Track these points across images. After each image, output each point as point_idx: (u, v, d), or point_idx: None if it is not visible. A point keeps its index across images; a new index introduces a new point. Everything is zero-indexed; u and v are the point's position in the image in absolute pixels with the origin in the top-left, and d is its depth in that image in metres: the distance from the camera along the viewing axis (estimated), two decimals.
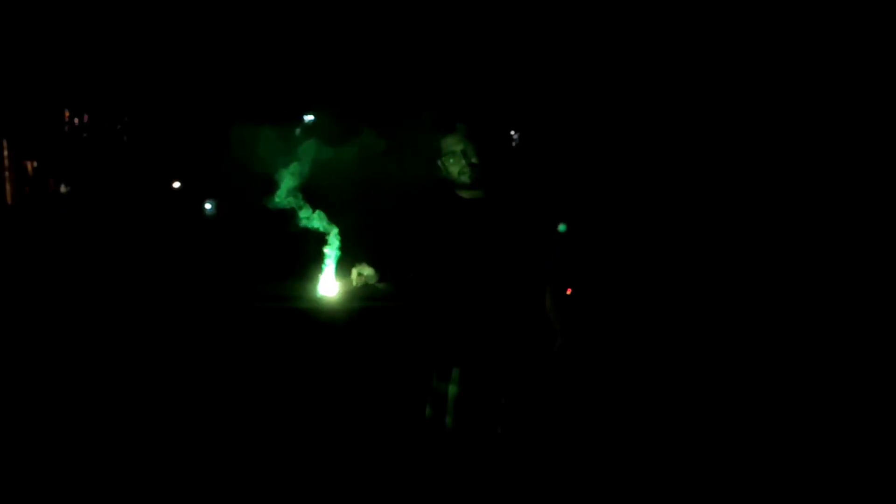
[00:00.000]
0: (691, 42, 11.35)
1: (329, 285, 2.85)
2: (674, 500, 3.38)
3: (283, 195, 2.85)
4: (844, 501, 3.29)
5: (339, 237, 2.82)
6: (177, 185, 12.26)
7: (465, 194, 2.79)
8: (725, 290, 8.02)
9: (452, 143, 2.75)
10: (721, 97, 11.28)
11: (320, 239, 2.83)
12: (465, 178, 2.74)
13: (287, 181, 2.86)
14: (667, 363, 5.54)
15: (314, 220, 2.81)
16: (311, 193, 2.88)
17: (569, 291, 2.82)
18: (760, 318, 6.76)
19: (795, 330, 6.26)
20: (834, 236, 8.95)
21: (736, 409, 4.43)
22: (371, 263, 2.80)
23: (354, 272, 2.79)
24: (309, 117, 13.81)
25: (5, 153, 14.15)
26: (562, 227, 2.82)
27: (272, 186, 2.89)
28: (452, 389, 2.76)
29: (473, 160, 2.72)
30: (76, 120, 15.45)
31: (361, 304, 2.93)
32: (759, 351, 5.75)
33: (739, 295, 7.73)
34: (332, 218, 2.84)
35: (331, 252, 2.82)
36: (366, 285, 2.81)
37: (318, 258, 2.82)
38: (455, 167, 2.74)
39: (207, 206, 14.86)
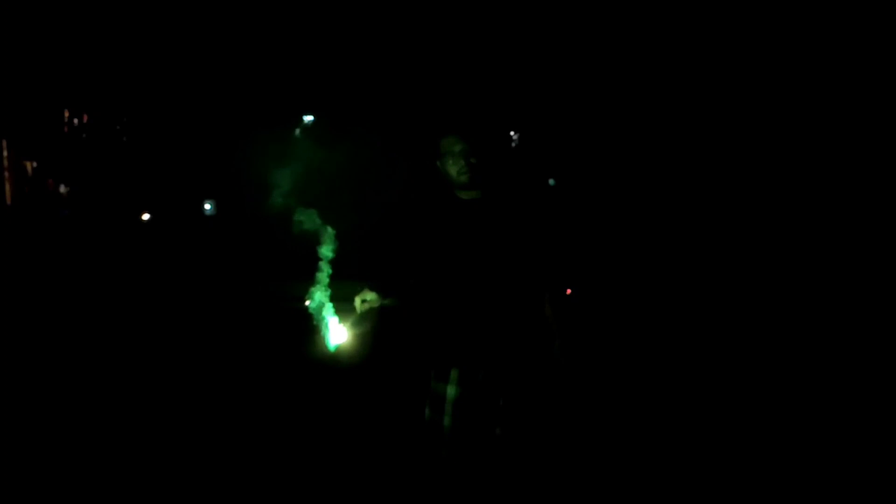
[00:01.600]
0: (691, 42, 11.35)
1: (337, 332, 2.81)
2: (674, 500, 3.37)
3: (279, 197, 2.84)
4: (844, 501, 3.29)
5: (334, 239, 2.80)
6: (146, 216, 12.24)
7: (463, 195, 2.78)
8: (725, 289, 8.02)
9: (451, 144, 2.74)
10: (721, 97, 11.27)
11: (317, 241, 2.81)
12: (463, 179, 2.72)
13: (282, 183, 2.85)
14: (667, 364, 5.54)
15: (308, 221, 2.79)
16: (308, 195, 2.87)
17: (568, 292, 2.81)
18: (760, 317, 6.75)
19: (795, 330, 6.26)
20: (834, 236, 8.94)
21: (736, 410, 4.43)
22: (371, 282, 2.79)
23: (357, 300, 2.78)
24: (308, 118, 13.81)
25: (5, 153, 14.14)
26: (551, 182, 2.81)
27: (269, 188, 2.88)
28: (451, 390, 2.75)
29: (472, 160, 2.71)
30: (76, 120, 15.43)
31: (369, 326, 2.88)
32: (759, 351, 5.74)
33: (739, 295, 7.72)
34: (328, 220, 2.82)
35: (325, 267, 2.78)
36: (371, 310, 2.80)
37: (315, 261, 2.80)
38: (454, 168, 2.73)
39: (207, 206, 14.86)
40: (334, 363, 2.86)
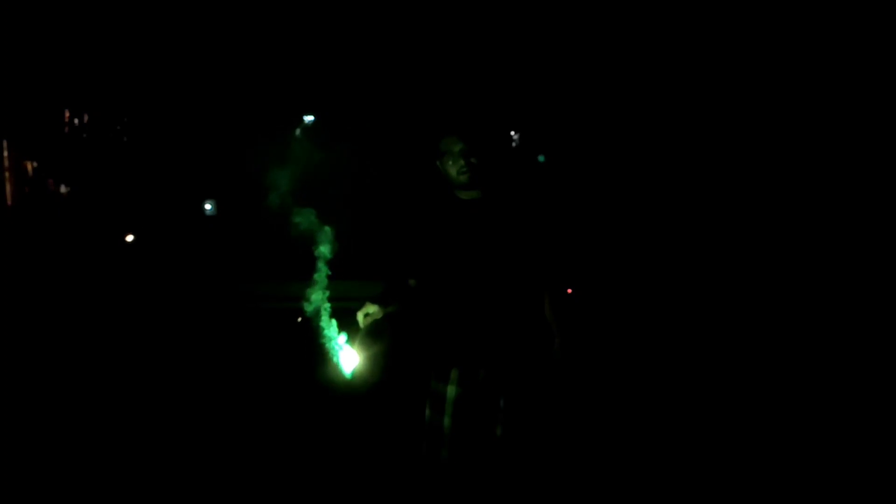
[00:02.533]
0: (691, 42, 11.33)
1: (349, 358, 2.77)
2: (674, 500, 3.37)
3: (276, 197, 2.82)
4: (844, 501, 3.28)
5: (331, 240, 2.78)
6: (130, 237, 12.19)
7: (463, 195, 2.78)
8: (726, 290, 8.01)
9: (451, 143, 2.73)
10: (721, 97, 11.25)
11: (314, 241, 2.79)
12: (463, 179, 2.72)
13: (281, 183, 2.83)
14: (667, 364, 5.53)
15: (305, 221, 2.77)
16: (306, 195, 2.85)
17: (569, 291, 2.80)
18: (760, 318, 6.74)
19: (795, 330, 6.25)
20: (834, 236, 8.92)
21: (736, 410, 4.42)
22: (371, 294, 2.77)
23: (360, 315, 2.75)
24: (309, 118, 13.80)
25: (5, 153, 14.14)
26: (541, 158, 2.79)
27: (268, 188, 2.87)
28: (451, 390, 2.74)
29: (472, 160, 2.71)
30: (76, 120, 15.43)
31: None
32: (759, 351, 5.73)
33: (739, 295, 7.71)
34: (326, 220, 2.80)
35: (326, 321, 2.74)
36: (375, 321, 2.76)
37: (313, 261, 2.77)
38: (453, 168, 2.72)
39: (207, 206, 14.84)
40: (351, 388, 2.82)
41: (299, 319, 2.75)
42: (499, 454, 2.75)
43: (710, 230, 10.12)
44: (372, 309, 2.75)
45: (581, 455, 3.70)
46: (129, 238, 11.90)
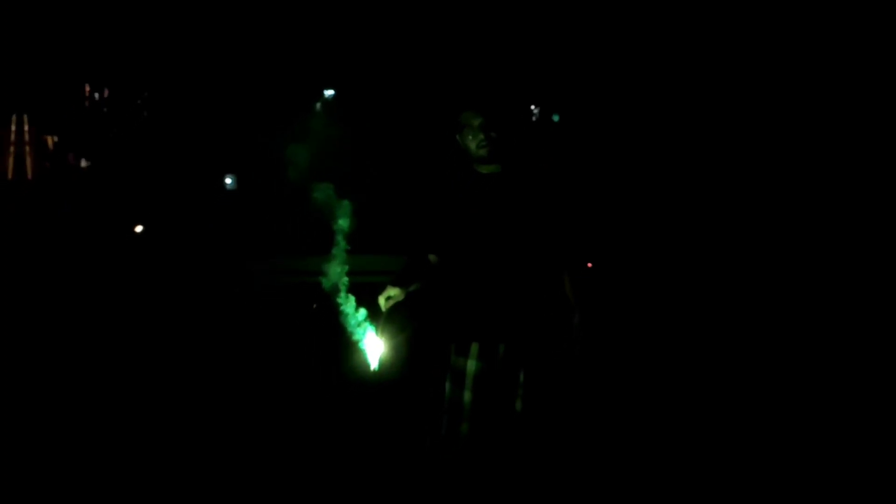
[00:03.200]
0: (701, 32, 11.19)
1: (374, 348, 2.74)
2: (692, 478, 3.36)
3: (296, 171, 2.80)
4: (844, 501, 3.23)
5: (350, 214, 2.75)
6: (139, 228, 12.14)
7: (482, 169, 2.75)
8: (737, 280, 7.94)
9: (470, 117, 2.71)
10: (746, 81, 11.10)
11: (333, 215, 2.77)
12: (482, 153, 2.70)
13: (300, 157, 2.81)
14: (686, 341, 5.51)
15: (323, 195, 2.75)
16: (325, 170, 2.83)
17: (589, 266, 2.78)
18: (769, 312, 6.67)
19: (803, 329, 6.16)
20: (836, 237, 8.81)
21: (741, 405, 4.37)
22: (392, 276, 2.74)
23: (382, 299, 2.72)
24: (329, 92, 13.78)
25: (26, 128, 14.27)
26: (555, 117, 2.74)
27: (288, 162, 2.85)
28: (471, 365, 2.74)
29: (492, 134, 2.68)
30: (97, 95, 15.50)
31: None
32: (767, 345, 5.67)
33: (748, 288, 7.64)
34: (345, 194, 2.77)
35: (351, 316, 2.70)
36: (396, 304, 2.73)
37: (331, 237, 2.74)
38: (473, 142, 2.70)
39: (228, 180, 14.88)
40: (377, 380, 2.79)
41: (315, 306, 2.72)
42: (518, 429, 2.74)
43: (724, 223, 10.01)
44: (393, 292, 2.73)
45: (600, 431, 3.69)
46: (139, 228, 11.90)
